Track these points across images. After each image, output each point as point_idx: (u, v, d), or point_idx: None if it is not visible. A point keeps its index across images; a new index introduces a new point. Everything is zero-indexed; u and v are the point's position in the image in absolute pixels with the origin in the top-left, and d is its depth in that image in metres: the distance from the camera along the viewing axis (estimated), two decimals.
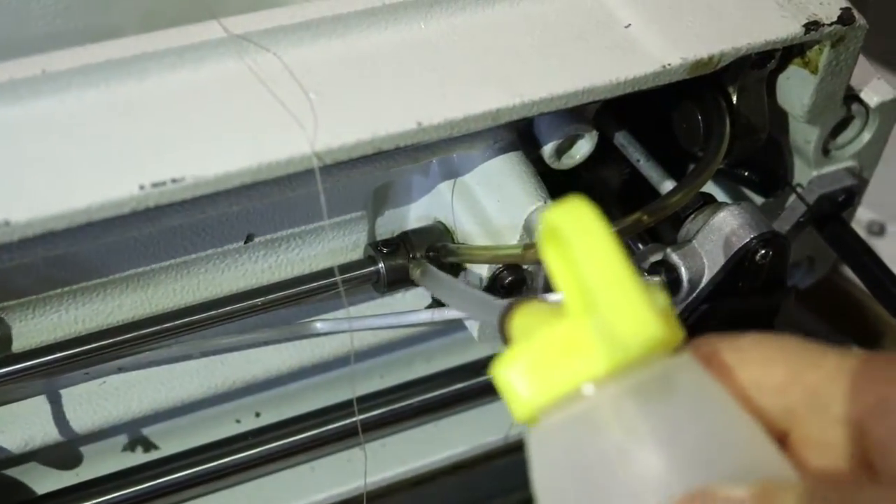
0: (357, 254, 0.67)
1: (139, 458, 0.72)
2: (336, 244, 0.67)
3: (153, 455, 0.72)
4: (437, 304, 0.65)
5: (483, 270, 0.63)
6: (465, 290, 0.59)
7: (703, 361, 0.39)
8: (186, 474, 0.69)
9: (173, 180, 0.49)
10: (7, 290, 0.59)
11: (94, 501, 0.66)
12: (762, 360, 0.40)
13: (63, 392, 0.65)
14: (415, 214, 0.67)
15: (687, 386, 0.38)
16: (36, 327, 0.61)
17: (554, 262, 0.38)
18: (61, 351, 0.60)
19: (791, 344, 0.40)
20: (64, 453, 0.69)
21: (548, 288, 0.63)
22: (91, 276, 0.61)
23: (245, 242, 0.63)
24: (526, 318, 0.40)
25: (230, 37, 0.54)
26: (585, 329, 0.37)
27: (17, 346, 0.61)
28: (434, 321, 0.62)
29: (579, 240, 0.36)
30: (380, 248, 0.64)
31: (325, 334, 0.65)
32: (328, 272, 0.64)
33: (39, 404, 0.65)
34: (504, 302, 0.44)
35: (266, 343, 0.67)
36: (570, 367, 0.37)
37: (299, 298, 0.63)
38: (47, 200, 0.48)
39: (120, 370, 0.66)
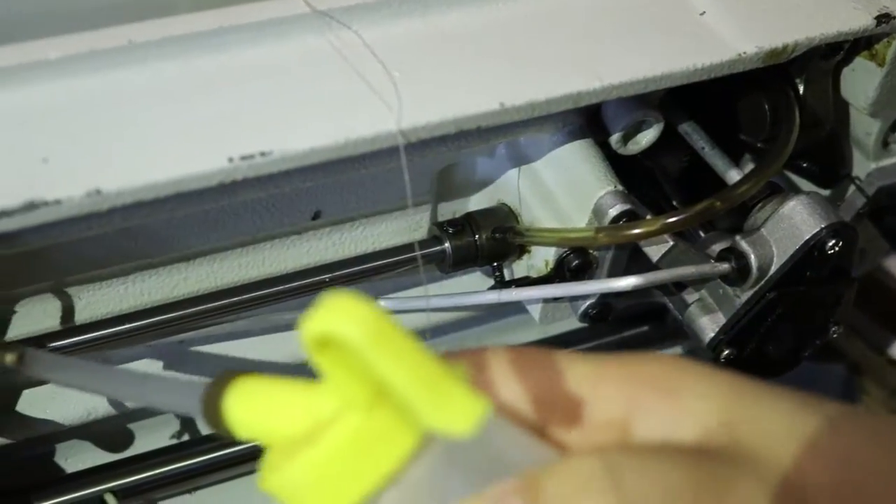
0: (417, 235, 0.67)
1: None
2: (399, 224, 0.67)
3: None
4: (500, 285, 0.65)
5: (549, 254, 0.63)
6: (132, 373, 0.54)
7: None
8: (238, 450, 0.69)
9: (262, 154, 0.49)
10: (78, 261, 0.59)
11: (153, 472, 0.66)
12: (512, 376, 0.39)
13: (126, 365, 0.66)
14: (477, 197, 0.68)
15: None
16: (102, 298, 0.62)
17: (328, 361, 0.35)
18: (125, 323, 0.61)
19: (533, 355, 0.40)
20: (118, 431, 0.70)
21: (612, 273, 0.64)
22: (160, 250, 0.61)
23: (312, 219, 0.63)
24: (250, 401, 0.37)
25: (313, 13, 0.54)
26: (382, 417, 0.35)
27: (83, 317, 0.62)
28: (501, 301, 0.63)
29: (368, 343, 0.33)
30: (445, 228, 0.64)
31: (395, 312, 0.65)
32: (393, 251, 0.65)
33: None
34: (201, 384, 0.40)
35: None
36: (381, 455, 0.35)
37: (366, 276, 0.63)
38: (138, 171, 0.48)
39: (181, 343, 0.66)
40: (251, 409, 0.37)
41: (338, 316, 0.33)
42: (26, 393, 0.63)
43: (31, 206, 0.46)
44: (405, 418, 0.35)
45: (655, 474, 0.35)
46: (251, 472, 0.69)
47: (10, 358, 0.54)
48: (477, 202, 0.68)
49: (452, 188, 0.67)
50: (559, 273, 0.62)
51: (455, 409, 0.33)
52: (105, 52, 0.51)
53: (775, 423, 0.38)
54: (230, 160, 0.49)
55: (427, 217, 0.67)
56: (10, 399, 0.63)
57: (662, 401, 0.38)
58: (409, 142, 0.52)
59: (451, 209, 0.68)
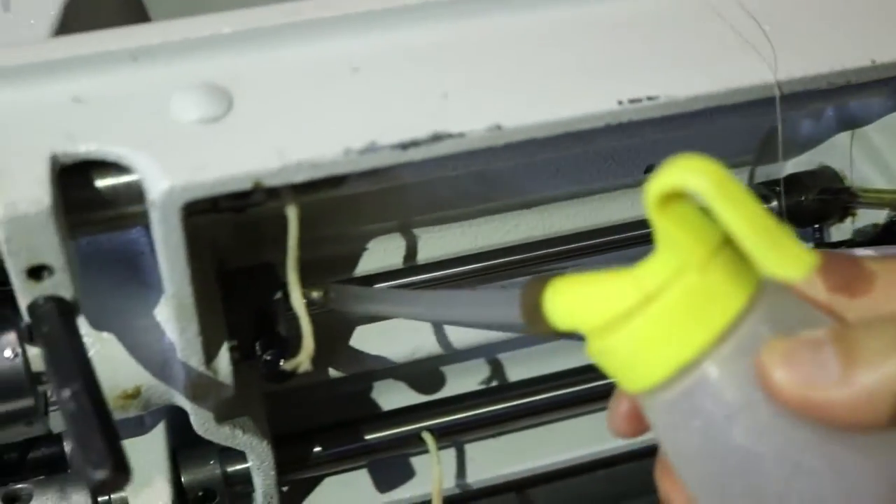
0: None
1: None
2: None
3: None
4: (822, 246, 0.66)
5: (880, 217, 0.63)
6: (440, 293, 0.55)
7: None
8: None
9: (648, 98, 0.51)
10: (430, 202, 0.62)
11: (466, 414, 0.69)
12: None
13: None
14: (795, 159, 0.68)
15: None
16: (440, 240, 0.64)
17: (667, 220, 0.38)
18: (459, 266, 0.63)
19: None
20: (432, 373, 0.73)
21: None
22: (502, 195, 0.63)
23: (645, 173, 0.65)
24: (569, 294, 0.40)
25: None
26: (713, 277, 0.37)
27: (421, 257, 0.64)
28: None
29: (717, 194, 0.35)
30: (773, 188, 0.65)
31: None
32: None
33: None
34: (514, 291, 0.43)
35: None
36: (710, 314, 0.38)
37: None
38: (533, 109, 0.50)
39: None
40: (572, 300, 0.40)
41: (687, 170, 0.36)
42: (359, 329, 0.66)
43: (437, 138, 0.49)
44: (737, 278, 0.38)
45: None
46: (554, 420, 0.71)
47: (316, 293, 0.57)
48: (795, 164, 0.68)
49: (771, 150, 0.68)
50: (887, 236, 0.63)
51: (789, 256, 0.35)
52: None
53: None
54: (619, 103, 0.51)
55: (744, 178, 0.68)
56: (345, 334, 0.66)
57: None
58: (783, 94, 0.53)
59: (766, 172, 0.69)
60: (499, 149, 0.51)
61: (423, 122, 0.49)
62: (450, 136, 0.49)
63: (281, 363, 0.55)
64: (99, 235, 0.56)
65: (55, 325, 0.48)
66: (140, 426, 0.65)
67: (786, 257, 0.36)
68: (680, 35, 0.54)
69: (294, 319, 0.55)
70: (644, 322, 0.38)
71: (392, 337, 0.66)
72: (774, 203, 0.64)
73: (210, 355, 0.55)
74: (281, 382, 0.55)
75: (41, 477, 0.63)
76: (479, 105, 0.50)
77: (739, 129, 0.65)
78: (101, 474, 0.43)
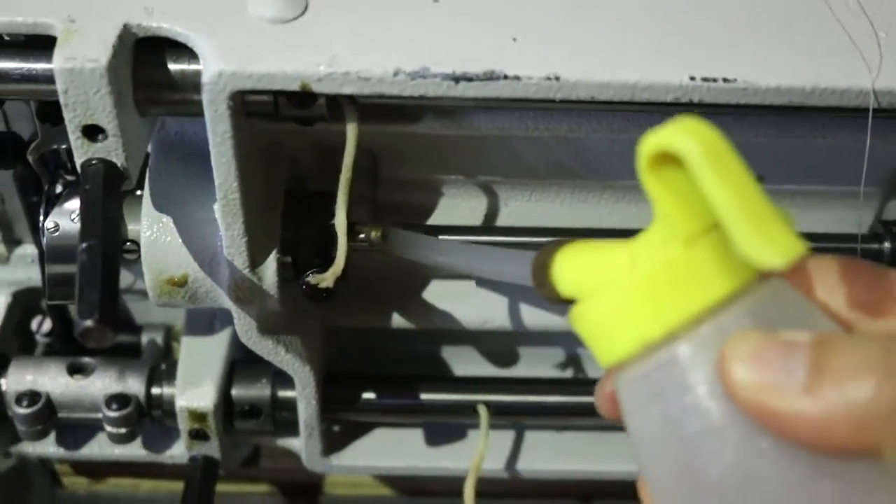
0: (844, 225, 0.63)
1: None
2: (835, 214, 0.63)
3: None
4: None
5: None
6: (472, 246, 0.54)
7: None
8: None
9: (724, 79, 0.48)
10: (515, 165, 0.60)
11: (528, 398, 0.67)
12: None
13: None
14: None
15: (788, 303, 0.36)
16: (527, 210, 0.63)
17: (659, 186, 0.35)
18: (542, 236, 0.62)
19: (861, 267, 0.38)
20: (506, 349, 0.71)
21: None
22: (592, 174, 0.61)
23: None
24: (573, 260, 0.39)
25: None
26: (700, 254, 0.35)
27: (502, 222, 0.63)
28: None
29: (704, 161, 0.32)
30: (892, 228, 0.60)
31: None
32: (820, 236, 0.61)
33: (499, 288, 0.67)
34: (532, 253, 0.43)
35: None
36: (688, 294, 0.35)
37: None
38: (597, 68, 0.48)
39: None
40: (575, 266, 0.39)
41: (681, 132, 0.33)
42: (434, 284, 0.65)
43: (491, 76, 0.48)
44: (730, 262, 0.34)
45: None
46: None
47: (375, 234, 0.56)
48: None
49: None
50: None
51: (772, 240, 0.32)
52: None
53: None
54: (692, 78, 0.48)
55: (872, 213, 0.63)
56: (419, 287, 0.65)
57: None
58: (879, 105, 0.49)
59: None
60: (559, 109, 0.50)
61: (483, 58, 0.48)
62: (505, 76, 0.48)
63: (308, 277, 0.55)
64: (185, 128, 0.58)
65: (96, 185, 0.50)
66: (209, 330, 0.67)
67: (768, 241, 0.32)
68: (780, 23, 0.51)
69: (356, 249, 0.56)
70: (618, 293, 0.36)
71: (466, 301, 0.65)
72: (887, 244, 0.59)
73: (255, 260, 0.56)
74: (316, 302, 0.55)
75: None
76: (544, 54, 0.49)
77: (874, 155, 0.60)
78: (88, 323, 0.45)
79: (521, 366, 0.71)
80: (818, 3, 0.52)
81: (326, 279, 0.53)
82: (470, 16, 0.51)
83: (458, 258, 0.54)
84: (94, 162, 0.51)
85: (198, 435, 0.65)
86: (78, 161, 0.51)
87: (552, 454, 0.69)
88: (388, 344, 0.69)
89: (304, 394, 0.63)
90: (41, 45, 0.50)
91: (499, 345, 0.70)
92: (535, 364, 0.70)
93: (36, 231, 0.62)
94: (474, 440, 0.68)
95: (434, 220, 0.62)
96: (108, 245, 0.48)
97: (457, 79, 0.48)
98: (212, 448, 0.65)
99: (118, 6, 0.50)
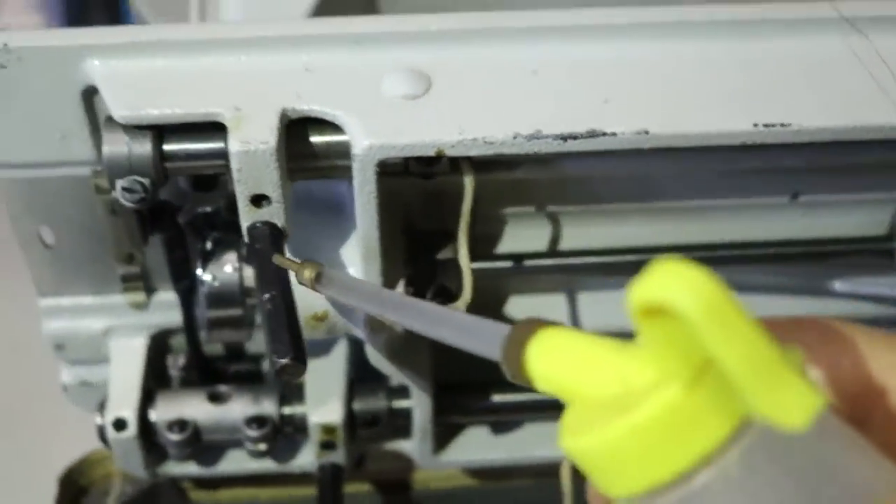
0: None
1: None
2: (862, 218, 0.74)
3: None
4: None
5: None
6: (431, 307, 0.50)
7: None
8: None
9: (782, 124, 0.59)
10: (586, 194, 0.71)
11: None
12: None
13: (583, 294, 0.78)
14: None
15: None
16: (586, 232, 0.73)
17: (653, 330, 0.32)
18: (594, 257, 0.72)
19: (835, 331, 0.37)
20: None
21: None
22: (656, 198, 0.72)
23: (791, 199, 0.72)
24: (555, 352, 0.35)
25: (838, 18, 0.63)
26: (703, 398, 0.32)
27: (563, 246, 0.74)
28: None
29: (702, 318, 0.30)
30: None
31: (844, 295, 0.73)
32: (849, 240, 0.73)
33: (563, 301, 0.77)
34: (505, 327, 0.38)
35: (780, 290, 0.76)
36: (687, 440, 0.32)
37: (829, 258, 0.72)
38: (677, 122, 0.59)
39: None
40: (555, 361, 0.35)
41: (672, 284, 0.30)
42: (513, 299, 0.76)
43: (592, 134, 0.58)
44: (727, 402, 0.32)
45: None
46: None
47: (308, 273, 0.58)
48: None
49: None
50: None
51: (788, 399, 0.31)
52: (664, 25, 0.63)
53: None
54: (755, 125, 0.59)
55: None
56: (500, 302, 0.76)
57: None
58: None
59: None
60: (646, 153, 0.61)
61: (584, 120, 0.59)
62: (604, 134, 0.58)
63: None
64: (312, 183, 0.68)
65: (266, 244, 0.60)
66: (326, 354, 0.77)
67: (784, 399, 0.31)
68: (818, 74, 0.62)
69: (457, 278, 0.66)
70: (619, 432, 0.32)
71: (542, 312, 0.75)
72: None
73: None
74: None
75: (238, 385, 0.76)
76: (632, 112, 0.59)
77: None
78: (283, 360, 0.55)
79: None
80: (845, 53, 0.63)
81: (459, 307, 0.63)
82: (565, 83, 0.61)
83: (408, 315, 0.51)
84: (258, 225, 0.61)
85: (327, 445, 0.75)
86: (244, 224, 0.61)
87: None
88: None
89: (419, 402, 0.73)
90: (204, 129, 0.60)
91: None
92: None
93: (177, 280, 0.72)
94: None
95: (510, 247, 0.73)
96: (287, 294, 0.58)
97: (565, 137, 0.58)
98: (338, 456, 0.76)
99: (273, 94, 0.59)
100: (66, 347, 0.77)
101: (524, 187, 0.70)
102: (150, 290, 0.76)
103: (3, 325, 1.01)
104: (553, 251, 0.73)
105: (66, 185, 0.68)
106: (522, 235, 0.73)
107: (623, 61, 0.62)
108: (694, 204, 0.72)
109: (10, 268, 0.79)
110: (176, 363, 0.78)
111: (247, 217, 0.61)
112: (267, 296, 0.58)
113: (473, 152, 0.58)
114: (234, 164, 0.58)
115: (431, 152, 0.58)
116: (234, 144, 0.57)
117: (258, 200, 0.60)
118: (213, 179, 0.67)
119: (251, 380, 0.79)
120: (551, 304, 0.76)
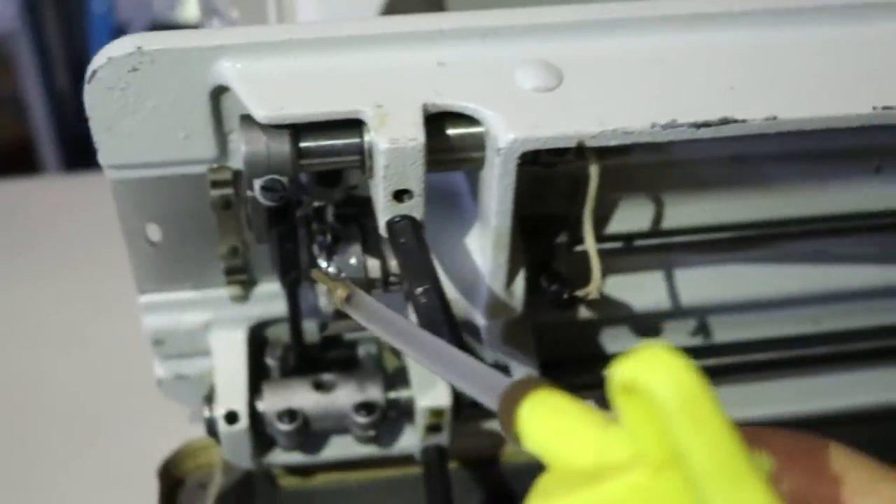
0: None
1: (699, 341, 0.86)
2: None
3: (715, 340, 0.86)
4: None
5: None
6: (441, 346, 0.51)
7: None
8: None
9: None
10: (690, 178, 0.73)
11: None
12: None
13: (678, 271, 0.80)
14: None
15: None
16: (684, 211, 0.76)
17: (630, 408, 0.34)
18: (692, 235, 0.75)
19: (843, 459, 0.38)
20: (652, 326, 0.85)
21: None
22: (749, 176, 0.74)
23: (876, 172, 0.75)
24: (545, 415, 0.37)
25: None
26: (667, 485, 0.33)
27: (667, 224, 0.76)
28: None
29: (676, 409, 0.32)
30: None
31: None
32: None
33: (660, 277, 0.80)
34: (506, 381, 0.40)
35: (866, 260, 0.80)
36: None
37: None
38: (802, 106, 0.61)
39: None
40: (543, 425, 0.37)
41: (653, 370, 0.32)
42: (611, 279, 0.78)
43: (725, 122, 0.61)
44: (690, 492, 0.33)
45: None
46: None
47: (340, 293, 0.59)
48: None
49: None
50: None
51: (747, 501, 0.32)
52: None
53: None
54: (874, 108, 0.62)
55: None
56: None
57: None
58: None
59: None
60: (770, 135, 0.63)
61: (715, 107, 0.61)
62: (735, 121, 0.61)
63: (566, 294, 0.67)
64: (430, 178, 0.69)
65: (410, 238, 0.61)
66: None
67: (741, 502, 0.32)
68: None
69: (568, 261, 0.68)
70: (577, 501, 0.34)
71: (642, 288, 0.78)
72: None
73: (510, 281, 0.68)
74: (565, 309, 0.68)
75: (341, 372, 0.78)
76: (758, 99, 0.61)
77: None
78: None
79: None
80: None
81: (591, 292, 0.66)
82: (691, 73, 0.63)
83: (419, 350, 0.52)
84: (397, 219, 0.62)
85: (434, 428, 0.77)
86: (384, 219, 0.62)
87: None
88: (579, 333, 0.82)
89: None
90: (338, 125, 0.61)
91: (648, 322, 0.84)
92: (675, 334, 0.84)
93: (285, 273, 0.72)
94: None
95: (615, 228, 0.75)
96: (438, 286, 0.60)
97: (699, 125, 0.60)
98: (442, 438, 0.78)
99: (412, 89, 0.60)
100: (166, 342, 0.78)
101: (630, 171, 0.72)
102: (251, 283, 0.77)
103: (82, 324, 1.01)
104: (655, 230, 0.75)
105: (181, 182, 0.68)
106: (624, 217, 0.75)
107: (743, 48, 0.64)
108: (784, 181, 0.75)
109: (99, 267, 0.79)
110: (274, 353, 0.79)
111: (387, 212, 0.62)
112: (420, 289, 0.59)
113: (613, 142, 0.60)
114: (382, 161, 0.59)
115: (573, 144, 0.60)
116: (382, 142, 0.58)
117: (400, 195, 0.61)
118: (338, 174, 0.67)
119: (348, 367, 0.80)
120: (651, 280, 0.79)
